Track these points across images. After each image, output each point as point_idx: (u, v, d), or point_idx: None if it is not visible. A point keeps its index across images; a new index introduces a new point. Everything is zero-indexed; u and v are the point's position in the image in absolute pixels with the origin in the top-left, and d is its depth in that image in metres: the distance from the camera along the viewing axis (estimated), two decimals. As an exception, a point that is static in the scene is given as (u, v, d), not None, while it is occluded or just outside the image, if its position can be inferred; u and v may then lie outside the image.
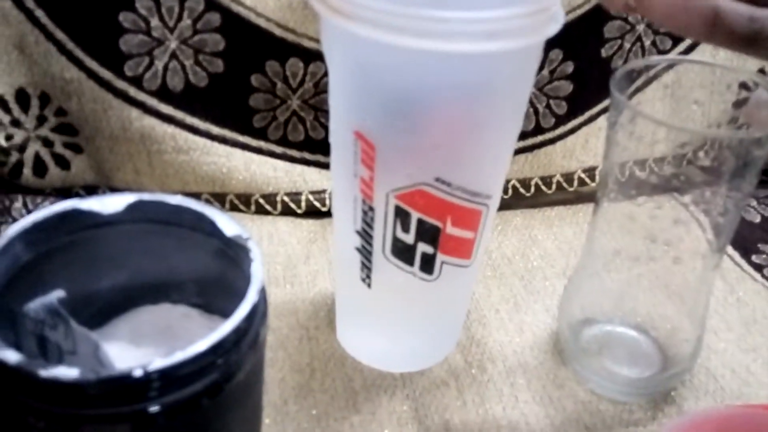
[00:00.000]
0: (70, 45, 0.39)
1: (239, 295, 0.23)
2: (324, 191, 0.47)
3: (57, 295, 0.24)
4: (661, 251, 0.30)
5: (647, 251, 0.31)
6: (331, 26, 0.25)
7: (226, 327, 0.21)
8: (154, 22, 0.39)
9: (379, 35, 0.23)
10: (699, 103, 0.31)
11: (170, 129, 0.42)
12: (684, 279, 0.32)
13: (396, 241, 0.30)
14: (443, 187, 0.28)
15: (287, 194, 0.46)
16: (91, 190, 0.45)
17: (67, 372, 0.18)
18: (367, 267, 0.31)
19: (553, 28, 0.25)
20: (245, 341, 0.22)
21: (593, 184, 0.51)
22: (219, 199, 0.46)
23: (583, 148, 0.50)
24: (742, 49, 0.22)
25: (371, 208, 0.29)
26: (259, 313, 0.23)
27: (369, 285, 0.32)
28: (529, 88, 0.28)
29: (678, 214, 0.29)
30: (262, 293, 0.23)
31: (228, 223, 0.25)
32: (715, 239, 0.30)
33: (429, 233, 0.29)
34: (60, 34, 0.39)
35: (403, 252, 0.30)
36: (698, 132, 0.27)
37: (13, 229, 0.23)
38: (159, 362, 0.19)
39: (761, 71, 0.48)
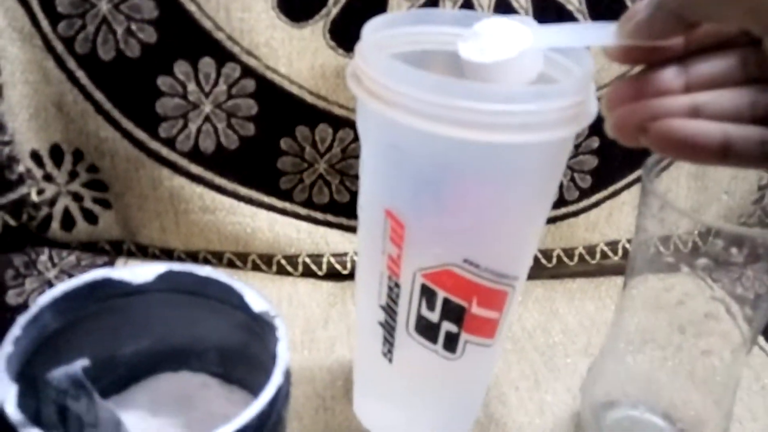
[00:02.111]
0: (108, 105, 0.40)
1: (260, 369, 0.23)
2: (346, 254, 0.47)
3: (81, 364, 0.24)
4: (690, 343, 0.30)
5: (675, 341, 0.30)
6: (367, 108, 0.26)
7: (250, 412, 0.21)
8: (191, 86, 0.40)
9: (416, 122, 0.23)
10: (729, 193, 0.31)
11: (198, 189, 0.43)
12: (712, 368, 0.32)
13: (420, 318, 0.29)
14: (471, 269, 0.28)
15: (309, 256, 0.46)
16: (116, 245, 0.45)
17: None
18: (389, 342, 0.31)
19: (586, 120, 0.25)
20: (268, 425, 0.22)
21: (616, 258, 0.51)
22: (241, 258, 0.46)
23: (606, 221, 0.50)
24: (755, 168, 0.22)
25: (397, 285, 0.29)
26: (282, 395, 0.23)
27: (390, 360, 0.32)
28: (560, 175, 0.28)
29: (709, 308, 0.28)
30: (286, 374, 0.23)
31: (256, 298, 0.25)
32: (748, 330, 0.29)
33: (454, 312, 0.29)
34: (98, 95, 0.40)
35: (427, 330, 0.30)
36: (730, 229, 0.27)
37: (44, 298, 0.23)
38: (182, 448, 0.19)
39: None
